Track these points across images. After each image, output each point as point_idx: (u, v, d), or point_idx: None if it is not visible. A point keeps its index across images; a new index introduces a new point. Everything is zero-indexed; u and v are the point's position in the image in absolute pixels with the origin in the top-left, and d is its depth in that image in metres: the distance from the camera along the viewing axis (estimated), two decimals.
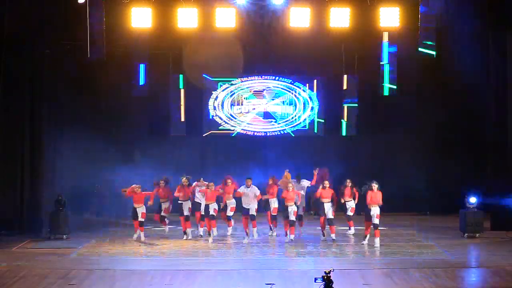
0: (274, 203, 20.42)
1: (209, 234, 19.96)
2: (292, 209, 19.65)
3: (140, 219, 19.94)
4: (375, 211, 19.13)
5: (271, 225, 20.80)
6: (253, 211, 19.91)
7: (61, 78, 23.08)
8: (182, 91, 24.47)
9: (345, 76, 24.30)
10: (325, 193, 19.77)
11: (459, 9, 22.81)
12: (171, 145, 24.75)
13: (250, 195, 19.88)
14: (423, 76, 24.11)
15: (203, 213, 20.06)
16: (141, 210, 19.95)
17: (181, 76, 24.29)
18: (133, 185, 20.07)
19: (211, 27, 22.01)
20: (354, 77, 24.20)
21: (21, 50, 20.97)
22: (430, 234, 21.05)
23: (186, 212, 20.16)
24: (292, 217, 19.68)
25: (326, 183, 19.88)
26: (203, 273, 16.29)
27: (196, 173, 21.39)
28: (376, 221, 19.10)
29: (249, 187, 19.92)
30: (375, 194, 19.22)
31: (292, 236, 19.72)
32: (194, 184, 20.27)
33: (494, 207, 21.43)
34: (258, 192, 19.96)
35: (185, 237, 20.19)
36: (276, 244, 19.67)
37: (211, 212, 19.82)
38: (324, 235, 19.96)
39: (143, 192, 20.10)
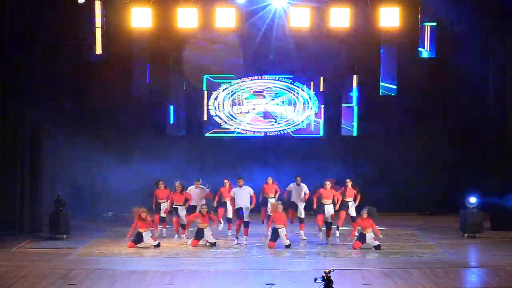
0: (272, 201, 20.24)
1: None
2: (283, 231, 18.86)
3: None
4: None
5: (265, 220, 20.77)
6: (246, 217, 19.38)
7: (61, 78, 23.10)
8: (182, 91, 24.45)
9: (345, 76, 24.28)
10: (326, 194, 19.75)
11: (459, 9, 22.83)
12: (170, 145, 24.74)
13: (244, 195, 19.40)
14: (423, 76, 24.08)
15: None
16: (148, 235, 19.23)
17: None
18: (138, 210, 19.08)
19: (211, 27, 22.02)
20: (354, 77, 24.18)
21: (21, 50, 20.95)
22: (430, 234, 21.05)
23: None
24: (286, 242, 18.88)
25: (328, 183, 19.82)
26: (203, 273, 16.30)
27: (196, 173, 21.39)
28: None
29: (241, 187, 19.51)
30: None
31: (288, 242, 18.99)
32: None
33: (494, 207, 21.45)
34: (252, 191, 19.54)
35: (182, 240, 19.91)
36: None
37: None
38: (320, 230, 19.78)
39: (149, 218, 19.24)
